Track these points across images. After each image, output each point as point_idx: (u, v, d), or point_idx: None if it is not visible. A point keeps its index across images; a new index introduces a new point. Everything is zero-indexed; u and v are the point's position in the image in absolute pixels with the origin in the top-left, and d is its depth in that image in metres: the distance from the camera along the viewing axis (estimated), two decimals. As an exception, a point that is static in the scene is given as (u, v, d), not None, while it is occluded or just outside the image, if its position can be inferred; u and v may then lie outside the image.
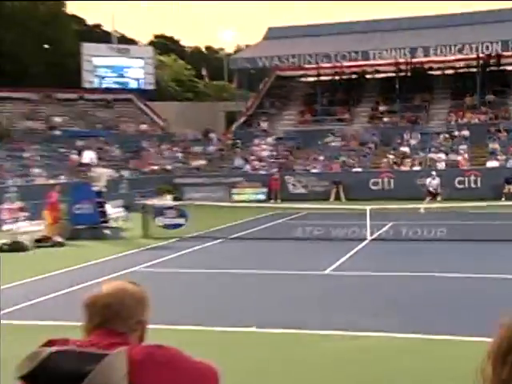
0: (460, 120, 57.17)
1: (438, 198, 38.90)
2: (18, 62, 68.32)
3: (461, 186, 45.86)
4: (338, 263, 21.46)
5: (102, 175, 33.32)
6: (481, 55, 60.60)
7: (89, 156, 50.09)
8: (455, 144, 52.84)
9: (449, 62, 66.55)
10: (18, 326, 13.87)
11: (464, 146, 52.07)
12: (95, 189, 30.99)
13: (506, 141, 52.15)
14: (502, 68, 66.56)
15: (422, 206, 36.20)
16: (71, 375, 2.66)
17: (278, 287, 18.17)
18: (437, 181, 41.34)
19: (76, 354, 2.77)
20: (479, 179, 46.30)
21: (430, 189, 40.35)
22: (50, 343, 2.88)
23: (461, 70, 66.60)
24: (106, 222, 30.60)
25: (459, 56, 61.75)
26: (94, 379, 2.63)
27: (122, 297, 3.05)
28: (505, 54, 62.65)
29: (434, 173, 43.01)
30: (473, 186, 45.90)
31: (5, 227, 30.32)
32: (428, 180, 41.18)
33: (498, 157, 49.72)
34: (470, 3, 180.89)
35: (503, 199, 41.49)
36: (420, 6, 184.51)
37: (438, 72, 68.56)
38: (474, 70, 62.14)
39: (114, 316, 2.99)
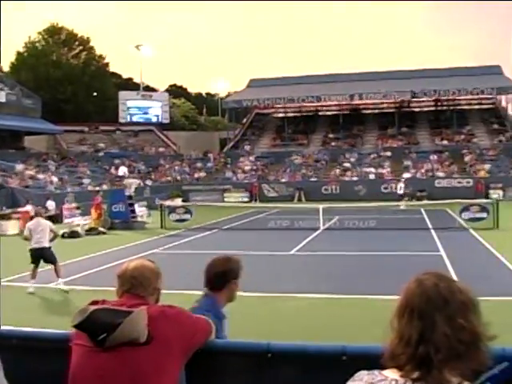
0: (384, 144, 57.69)
1: (406, 198, 38.92)
2: (75, 104, 68.71)
3: (385, 191, 45.97)
4: (299, 246, 21.47)
5: (132, 184, 33.27)
6: (397, 100, 61.22)
7: (122, 170, 50.00)
8: (381, 161, 53.13)
9: (376, 104, 67.09)
10: (74, 290, 13.82)
11: (387, 163, 52.41)
12: (127, 193, 30.90)
13: (415, 159, 52.80)
14: (411, 109, 67.24)
15: (402, 204, 36.27)
16: (108, 325, 2.76)
17: (256, 263, 18.12)
18: (404, 185, 41.51)
19: (111, 310, 2.87)
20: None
21: (400, 191, 40.25)
22: (93, 303, 2.99)
23: (384, 110, 66.90)
24: (134, 217, 30.51)
25: (383, 100, 62.80)
26: (124, 328, 2.74)
27: (142, 270, 3.16)
28: (413, 100, 63.88)
29: (403, 179, 43.16)
30: (394, 191, 46.00)
31: (65, 221, 30.30)
32: (399, 186, 41.11)
33: (411, 170, 50.13)
34: (391, 62, 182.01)
35: (414, 200, 41.65)
36: (357, 64, 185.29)
37: (369, 111, 68.99)
38: (393, 110, 62.76)
39: (137, 284, 3.10)
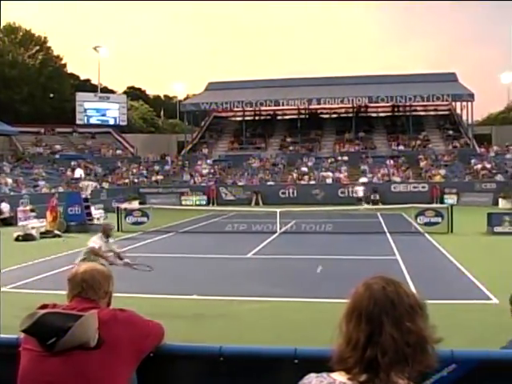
0: (342, 149, 58.16)
1: (364, 202, 39.20)
2: (31, 105, 67.77)
3: (342, 195, 46.31)
4: (256, 249, 21.49)
5: (88, 186, 32.85)
6: (355, 105, 61.76)
7: (79, 172, 49.50)
8: (338, 166, 53.47)
9: (334, 109, 67.85)
10: (28, 293, 13.60)
11: (344, 167, 52.78)
12: (83, 196, 30.58)
13: (372, 164, 53.26)
14: (368, 114, 68.30)
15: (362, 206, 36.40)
16: (58, 329, 2.73)
17: (213, 266, 18.11)
18: (362, 188, 41.77)
19: (61, 314, 2.83)
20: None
21: (358, 195, 40.73)
22: (43, 306, 2.95)
23: (342, 115, 67.74)
24: (90, 220, 30.25)
25: (341, 105, 63.14)
26: (74, 332, 2.71)
27: (93, 274, 3.13)
28: (370, 105, 65.12)
29: (360, 183, 43.45)
30: (351, 195, 46.36)
31: (20, 223, 29.71)
32: (356, 189, 41.45)
33: (367, 175, 50.59)
34: (349, 67, 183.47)
35: (370, 204, 42.09)
36: (316, 68, 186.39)
37: (327, 115, 69.78)
38: (351, 115, 63.42)
39: (88, 288, 3.07)
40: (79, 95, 65.40)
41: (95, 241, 12.52)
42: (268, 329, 10.46)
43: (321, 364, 2.12)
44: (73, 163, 53.61)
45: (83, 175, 48.74)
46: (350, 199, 44.20)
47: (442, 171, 49.61)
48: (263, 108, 66.14)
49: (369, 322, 1.94)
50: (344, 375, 1.93)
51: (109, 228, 13.20)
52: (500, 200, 41.39)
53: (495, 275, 15.23)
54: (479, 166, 49.61)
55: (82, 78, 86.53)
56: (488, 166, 49.72)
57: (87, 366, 2.75)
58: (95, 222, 30.62)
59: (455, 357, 2.92)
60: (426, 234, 25.18)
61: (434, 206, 31.65)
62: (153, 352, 3.08)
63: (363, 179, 49.18)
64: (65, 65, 78.98)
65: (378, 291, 1.99)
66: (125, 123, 67.04)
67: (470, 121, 59.04)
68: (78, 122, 64.00)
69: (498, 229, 25.37)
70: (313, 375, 2.02)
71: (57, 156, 56.54)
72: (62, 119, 65.54)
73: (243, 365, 3.10)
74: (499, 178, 46.94)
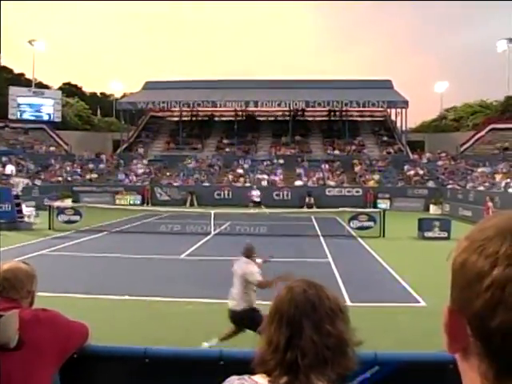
0: (278, 152, 58.47)
1: (262, 206, 39.25)
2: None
3: (277, 198, 46.56)
4: (190, 250, 21.45)
5: (20, 183, 32.32)
6: (292, 109, 62.13)
7: (10, 168, 48.36)
8: (274, 168, 53.78)
9: (271, 112, 68.17)
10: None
11: (280, 170, 53.13)
12: (14, 193, 29.93)
13: (307, 167, 53.62)
14: (305, 118, 68.71)
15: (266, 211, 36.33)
16: None
17: (146, 267, 17.98)
18: (258, 192, 42.02)
19: None
20: (290, 193, 47.18)
21: (257, 199, 40.90)
22: None
23: (279, 118, 68.05)
24: (21, 217, 29.56)
25: (278, 108, 63.36)
26: None
27: (16, 273, 3.05)
28: (307, 109, 65.31)
29: (254, 186, 43.71)
30: (285, 198, 46.70)
31: None
32: (254, 193, 41.71)
33: (303, 178, 51.01)
34: (286, 71, 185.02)
35: (305, 207, 42.49)
36: (253, 71, 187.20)
37: (264, 118, 69.93)
38: (288, 118, 63.64)
39: (9, 287, 2.99)
40: (12, 89, 63.95)
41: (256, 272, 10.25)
42: (196, 330, 10.43)
43: (247, 366, 2.13)
44: (4, 159, 52.21)
45: (14, 171, 47.68)
46: (285, 202, 44.54)
47: (376, 176, 50.43)
48: (200, 109, 65.98)
49: (289, 324, 1.95)
50: (265, 377, 1.93)
51: (252, 251, 10.93)
52: (431, 206, 42.44)
53: (424, 279, 15.57)
54: (412, 172, 50.69)
55: (16, 71, 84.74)
56: (420, 172, 50.83)
57: (6, 369, 2.67)
58: (26, 219, 29.97)
59: (378, 359, 2.98)
60: (359, 238, 25.55)
61: (367, 210, 32.07)
62: (76, 353, 3.03)
63: (298, 182, 49.65)
64: (-2, 58, 77.30)
65: (299, 294, 2.01)
66: (59, 120, 65.92)
67: (404, 127, 60.20)
68: (10, 116, 62.54)
69: (428, 234, 25.98)
70: (234, 377, 2.02)
71: (-14, 151, 55.17)
72: (-6, 114, 64.02)
73: (168, 366, 3.09)
74: (431, 184, 48.03)
